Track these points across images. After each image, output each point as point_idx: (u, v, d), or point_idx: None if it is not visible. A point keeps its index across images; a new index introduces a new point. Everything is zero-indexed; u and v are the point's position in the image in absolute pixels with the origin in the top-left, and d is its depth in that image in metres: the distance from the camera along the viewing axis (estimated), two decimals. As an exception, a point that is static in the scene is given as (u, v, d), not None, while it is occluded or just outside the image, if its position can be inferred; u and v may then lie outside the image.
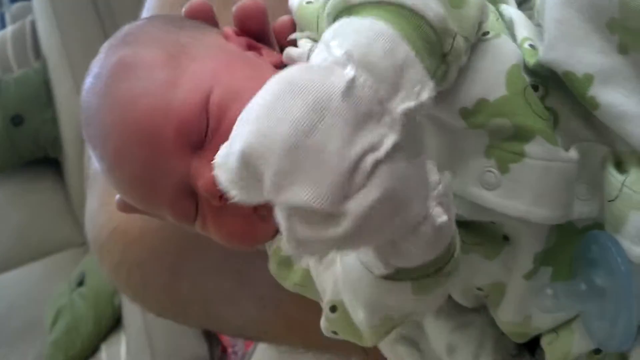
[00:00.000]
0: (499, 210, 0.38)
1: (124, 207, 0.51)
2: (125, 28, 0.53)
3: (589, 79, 0.35)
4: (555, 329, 0.41)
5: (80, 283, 2.28)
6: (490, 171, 0.38)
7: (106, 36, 2.15)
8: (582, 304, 0.38)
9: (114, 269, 0.63)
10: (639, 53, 0.34)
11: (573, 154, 0.37)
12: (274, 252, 0.49)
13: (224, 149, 0.33)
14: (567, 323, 0.41)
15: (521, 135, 0.36)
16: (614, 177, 0.36)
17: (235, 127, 0.33)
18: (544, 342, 0.42)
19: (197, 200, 0.45)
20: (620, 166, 0.36)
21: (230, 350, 1.98)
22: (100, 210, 0.64)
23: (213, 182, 0.39)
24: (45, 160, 2.88)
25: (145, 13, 0.66)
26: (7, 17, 3.29)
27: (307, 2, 0.45)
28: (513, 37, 0.39)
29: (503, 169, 0.37)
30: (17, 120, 2.71)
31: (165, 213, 0.46)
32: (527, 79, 0.37)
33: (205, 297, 0.63)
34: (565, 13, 0.35)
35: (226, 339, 1.99)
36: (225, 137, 0.40)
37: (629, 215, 0.34)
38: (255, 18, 0.49)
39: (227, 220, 0.44)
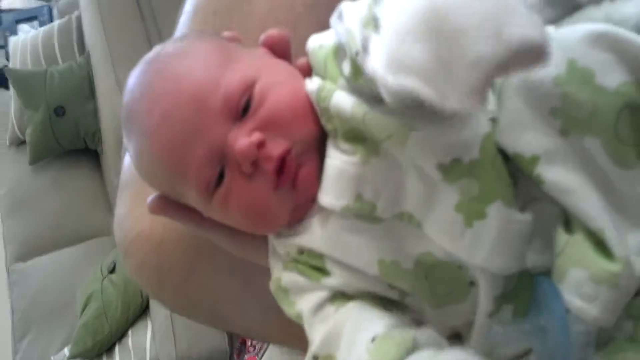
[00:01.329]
0: (462, 258, 0.43)
1: (155, 207, 0.54)
2: (178, 39, 0.56)
3: (535, 159, 0.39)
4: (517, 357, 0.45)
5: (112, 271, 2.34)
6: (456, 223, 0.42)
7: (147, 34, 2.22)
8: (527, 341, 0.43)
9: (135, 269, 0.68)
10: (578, 136, 0.38)
11: (527, 216, 0.41)
12: (274, 280, 0.53)
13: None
14: (527, 353, 0.45)
15: (485, 197, 0.41)
16: (561, 235, 0.40)
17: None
18: None
19: (223, 171, 0.48)
20: (568, 225, 0.40)
21: (249, 343, 2.03)
22: (127, 217, 0.69)
23: (249, 148, 0.45)
24: (84, 151, 2.94)
25: (183, 18, 0.70)
26: (55, 12, 3.39)
27: (320, 47, 0.49)
28: None
29: (468, 223, 0.42)
30: (59, 112, 2.78)
31: (189, 183, 0.48)
32: (495, 147, 0.41)
33: (213, 299, 0.68)
34: (515, 102, 0.39)
35: (246, 333, 2.06)
36: (262, 119, 0.46)
37: (568, 271, 0.39)
38: (280, 46, 0.53)
39: (251, 189, 0.47)
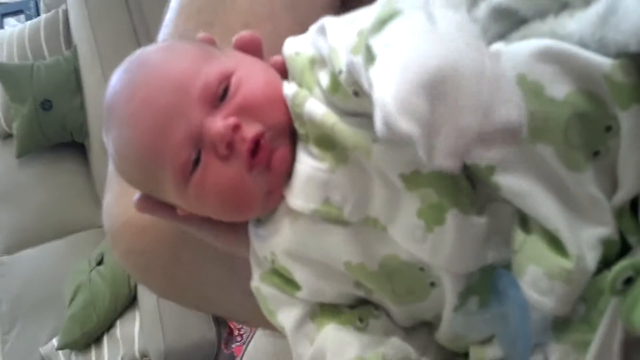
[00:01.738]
0: (424, 260, 0.46)
1: (141, 206, 0.56)
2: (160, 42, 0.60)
3: (491, 168, 0.42)
4: (481, 342, 0.49)
5: (100, 262, 2.35)
6: (419, 228, 0.45)
7: (134, 29, 2.25)
8: (490, 328, 0.47)
9: (123, 254, 0.71)
10: (530, 144, 0.41)
11: (482, 219, 0.44)
12: (253, 287, 0.56)
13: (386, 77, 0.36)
14: (490, 338, 0.48)
15: (443, 205, 0.44)
16: (518, 234, 0.43)
17: (393, 60, 0.36)
18: (471, 349, 0.50)
19: (199, 156, 0.50)
20: (525, 224, 0.44)
21: (236, 333, 2.06)
22: (115, 204, 0.71)
23: (225, 130, 0.47)
24: (71, 145, 2.95)
25: (168, 15, 0.72)
26: (42, 5, 3.37)
27: (296, 54, 0.51)
28: None
29: (429, 229, 0.45)
30: (46, 105, 2.79)
31: (167, 168, 0.50)
32: None
33: (199, 283, 0.70)
34: None
35: (233, 322, 2.07)
36: (237, 105, 0.49)
37: (526, 267, 0.42)
38: (251, 46, 0.55)
39: (226, 171, 0.49)
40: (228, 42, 0.57)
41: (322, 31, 0.49)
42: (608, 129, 0.40)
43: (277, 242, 0.51)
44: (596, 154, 0.41)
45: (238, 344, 2.03)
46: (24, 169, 2.91)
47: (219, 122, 0.48)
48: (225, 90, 0.50)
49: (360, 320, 0.53)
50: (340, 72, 0.45)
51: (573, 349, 0.43)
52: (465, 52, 0.35)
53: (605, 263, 0.41)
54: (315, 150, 0.48)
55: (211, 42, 0.57)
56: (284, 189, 0.50)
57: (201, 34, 0.57)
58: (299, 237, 0.50)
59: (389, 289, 0.49)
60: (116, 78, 0.53)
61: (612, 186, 0.41)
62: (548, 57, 0.40)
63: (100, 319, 2.21)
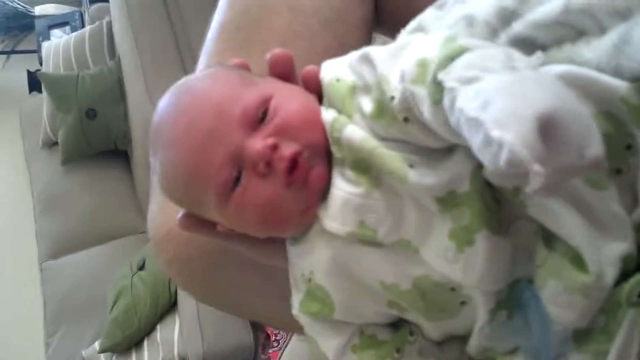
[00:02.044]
0: (456, 280, 0.48)
1: (184, 224, 0.59)
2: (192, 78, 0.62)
3: (517, 190, 0.44)
4: (507, 353, 0.51)
5: (141, 267, 2.39)
6: (450, 249, 0.47)
7: (176, 40, 2.28)
8: (514, 339, 0.48)
9: (167, 263, 0.73)
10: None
11: (508, 238, 0.46)
12: (294, 313, 0.58)
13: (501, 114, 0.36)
14: (516, 349, 0.50)
15: (473, 226, 0.46)
16: (541, 250, 0.45)
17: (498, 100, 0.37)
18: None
19: (240, 175, 0.52)
20: (548, 240, 0.45)
21: (273, 338, 2.07)
22: (159, 214, 0.74)
23: (264, 149, 0.50)
24: (114, 152, 3.02)
25: (210, 34, 0.75)
26: (87, 17, 3.46)
27: (337, 80, 0.53)
28: None
29: (460, 250, 0.47)
30: (91, 114, 2.87)
31: (209, 187, 0.53)
32: (484, 178, 0.46)
33: (238, 291, 0.73)
34: None
35: (270, 328, 2.08)
36: (275, 127, 0.51)
37: (547, 282, 0.44)
38: (283, 63, 0.58)
39: (265, 188, 0.51)
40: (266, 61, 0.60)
41: (367, 60, 0.51)
42: (629, 147, 0.42)
43: (313, 260, 0.54)
44: (618, 171, 0.43)
45: (275, 349, 2.04)
46: (68, 176, 2.98)
47: (259, 143, 0.51)
48: (264, 113, 0.52)
49: (397, 350, 0.55)
50: (392, 98, 0.46)
51: (593, 359, 0.45)
52: (564, 94, 0.37)
53: (624, 275, 0.43)
54: (350, 174, 0.50)
55: (246, 67, 0.59)
56: (319, 209, 0.52)
57: (236, 60, 0.60)
58: (335, 257, 0.52)
59: (422, 307, 0.51)
60: (163, 104, 0.56)
61: (632, 202, 0.43)
62: (568, 81, 0.42)
63: (142, 323, 2.25)
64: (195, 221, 0.58)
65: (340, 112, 0.52)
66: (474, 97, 0.38)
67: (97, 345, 2.35)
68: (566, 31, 0.46)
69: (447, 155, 0.47)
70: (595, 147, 0.35)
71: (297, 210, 0.52)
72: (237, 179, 0.52)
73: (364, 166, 0.50)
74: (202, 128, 0.53)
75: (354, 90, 0.52)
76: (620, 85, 0.41)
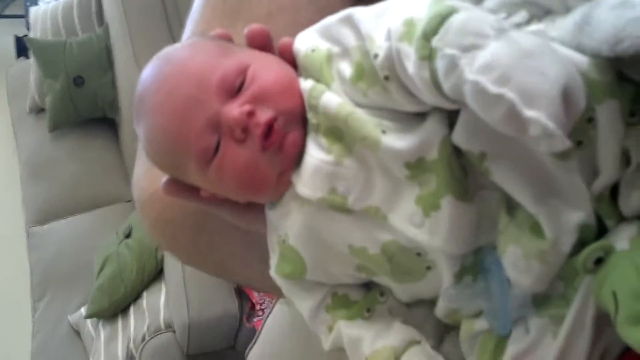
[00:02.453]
0: (423, 244, 0.50)
1: (167, 190, 0.61)
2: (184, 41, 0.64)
3: (483, 155, 0.46)
4: (472, 316, 0.53)
5: (128, 235, 2.41)
6: (417, 214, 0.49)
7: (165, 8, 2.27)
8: (476, 302, 0.51)
9: (152, 224, 0.75)
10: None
11: (473, 206, 0.48)
12: (273, 277, 0.60)
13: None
14: (480, 313, 0.52)
15: (439, 192, 0.48)
16: (503, 217, 0.47)
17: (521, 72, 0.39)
18: (462, 322, 0.54)
19: (219, 140, 0.54)
20: (511, 209, 0.47)
21: (258, 307, 2.10)
22: (144, 176, 0.75)
23: (240, 115, 0.51)
24: (102, 120, 3.01)
25: (196, 3, 0.75)
26: (75, -17, 3.43)
27: (312, 51, 0.54)
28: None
29: (426, 214, 0.49)
30: (78, 81, 2.86)
31: (190, 153, 0.55)
32: (452, 146, 0.48)
33: (220, 252, 0.74)
34: (469, 109, 0.44)
35: (255, 297, 2.11)
36: (252, 94, 0.53)
37: (507, 248, 0.47)
38: (260, 38, 0.59)
39: (242, 154, 0.53)
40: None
41: (349, 21, 0.52)
42: (589, 120, 0.44)
43: (287, 224, 0.56)
44: (579, 143, 0.44)
45: (259, 318, 2.06)
46: (55, 143, 2.99)
47: (235, 109, 0.52)
48: (242, 82, 0.54)
49: (368, 310, 0.58)
50: (376, 56, 0.48)
51: (551, 322, 0.47)
52: (565, 61, 0.40)
53: (582, 245, 0.45)
54: (323, 141, 0.52)
55: (228, 38, 0.61)
56: (292, 174, 0.54)
57: (218, 30, 0.61)
58: (306, 221, 0.54)
59: (389, 271, 0.54)
60: (145, 73, 0.57)
61: (592, 174, 0.45)
62: None
63: (128, 290, 2.27)
64: (178, 186, 0.60)
65: (318, 81, 0.53)
66: (486, 69, 0.39)
67: (83, 310, 2.37)
68: (534, 9, 0.48)
69: (418, 122, 0.49)
70: (584, 100, 0.39)
71: (273, 175, 0.54)
72: (217, 146, 0.54)
73: (338, 134, 0.51)
74: (181, 96, 0.54)
75: (330, 57, 0.53)
76: (582, 60, 0.43)
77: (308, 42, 0.55)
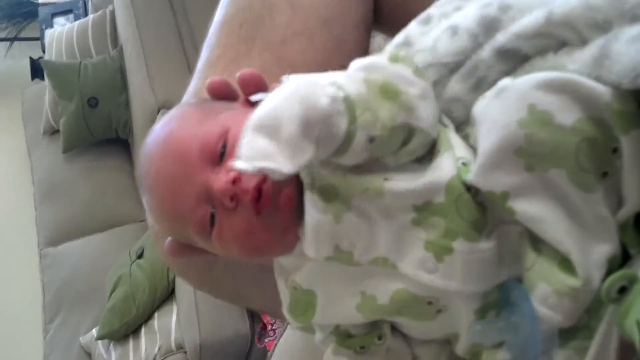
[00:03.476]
0: (439, 288, 0.49)
1: (172, 251, 0.60)
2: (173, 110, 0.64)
3: (505, 194, 0.45)
4: (493, 347, 0.52)
5: (140, 256, 2.40)
6: (429, 260, 0.49)
7: (179, 30, 2.29)
8: (501, 336, 0.50)
9: (165, 250, 0.76)
10: (542, 169, 0.44)
11: (490, 243, 0.48)
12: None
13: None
14: (501, 343, 0.51)
15: (450, 234, 0.48)
16: (530, 253, 0.47)
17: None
18: (484, 353, 0.53)
19: (213, 211, 0.53)
20: (535, 243, 0.47)
21: (269, 327, 2.08)
22: None
23: (226, 185, 0.50)
24: (115, 141, 3.03)
25: (212, 28, 0.76)
26: (90, 6, 3.47)
27: None
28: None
29: (439, 259, 0.48)
30: (92, 102, 2.87)
31: (189, 225, 0.55)
32: (462, 188, 0.48)
33: (233, 278, 0.74)
34: (486, 145, 0.45)
35: (266, 317, 2.10)
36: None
37: (537, 284, 0.46)
38: (253, 83, 0.58)
39: (237, 221, 0.52)
40: (268, 56, 0.61)
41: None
42: (615, 150, 0.43)
43: (297, 274, 0.56)
44: (605, 174, 0.44)
45: (271, 338, 2.05)
46: (69, 164, 2.99)
47: (221, 179, 0.52)
48: (224, 147, 0.53)
49: (362, 347, 0.57)
50: None
51: (575, 354, 0.46)
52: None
53: (607, 274, 0.44)
54: (319, 201, 0.51)
55: (226, 87, 0.60)
56: (299, 229, 0.53)
57: (215, 79, 0.61)
58: (317, 274, 0.54)
59: (397, 315, 0.54)
60: (142, 150, 0.58)
61: (617, 203, 0.45)
62: (556, 87, 0.44)
63: (139, 311, 2.26)
64: (182, 247, 0.60)
65: None
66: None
67: (94, 332, 2.36)
68: (549, 41, 0.48)
69: (424, 166, 0.50)
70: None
71: (275, 234, 0.53)
72: (213, 216, 0.53)
73: (333, 192, 0.51)
74: (168, 175, 0.54)
75: None
76: (604, 90, 0.43)
77: None
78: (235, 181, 0.51)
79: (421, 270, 0.50)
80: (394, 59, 0.51)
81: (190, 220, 0.54)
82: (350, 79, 0.49)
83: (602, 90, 0.43)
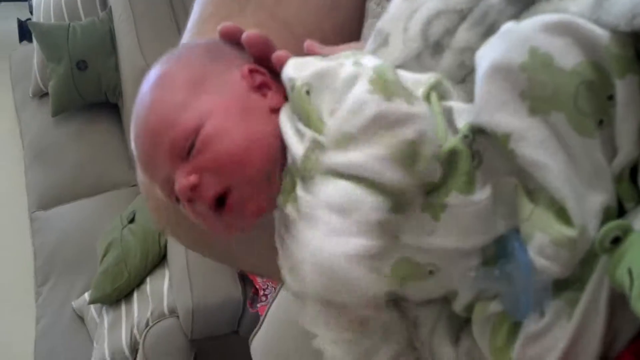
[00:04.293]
0: (438, 248, 0.49)
1: None
2: (178, 48, 0.63)
3: (506, 136, 0.45)
4: (486, 299, 0.52)
5: (132, 220, 2.40)
6: (427, 221, 0.49)
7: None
8: (495, 284, 0.50)
9: (156, 208, 0.75)
10: (544, 112, 0.44)
11: (485, 193, 0.48)
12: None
13: None
14: (495, 296, 0.51)
15: (443, 191, 0.48)
16: (526, 204, 0.46)
17: None
18: (475, 306, 0.53)
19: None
20: (531, 195, 0.47)
21: (261, 292, 2.10)
22: None
23: (184, 190, 0.52)
24: (105, 104, 3.00)
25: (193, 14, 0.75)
26: (78, -33, 3.41)
27: (307, 93, 0.52)
28: (451, 121, 0.49)
29: (436, 218, 0.48)
30: (81, 66, 2.84)
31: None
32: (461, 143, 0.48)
33: (225, 238, 0.72)
34: (488, 87, 0.46)
35: (259, 282, 2.11)
36: (200, 162, 0.52)
37: (534, 235, 0.46)
38: (258, 46, 0.58)
39: (200, 211, 0.54)
40: (262, 14, 0.60)
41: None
42: (610, 97, 0.43)
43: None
44: (601, 122, 0.44)
45: (263, 303, 2.06)
46: (59, 128, 2.97)
47: (181, 180, 0.53)
48: (192, 145, 0.53)
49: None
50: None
51: (567, 305, 0.46)
52: None
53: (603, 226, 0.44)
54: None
55: (236, 33, 0.59)
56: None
57: (226, 25, 0.60)
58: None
59: (398, 285, 0.53)
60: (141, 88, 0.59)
61: (613, 154, 0.45)
62: (558, 30, 0.44)
63: (131, 276, 2.27)
64: None
65: (308, 125, 0.51)
66: None
67: (86, 296, 2.37)
68: None
69: None
70: None
71: (238, 225, 0.55)
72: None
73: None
74: (145, 144, 0.56)
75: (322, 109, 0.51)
76: (604, 34, 0.43)
77: (303, 75, 0.53)
78: (194, 187, 0.52)
79: (421, 234, 0.49)
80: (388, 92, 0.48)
81: (160, 186, 0.56)
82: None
83: (602, 34, 0.43)
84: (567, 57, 0.44)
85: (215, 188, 0.52)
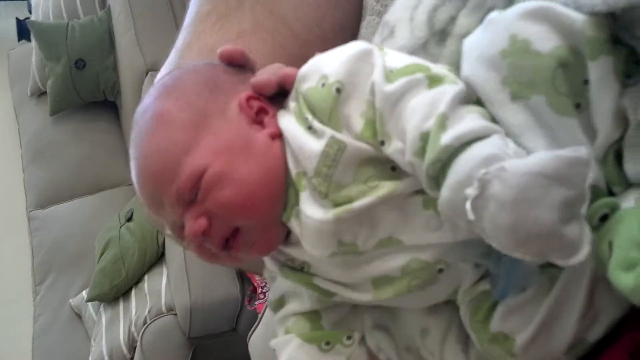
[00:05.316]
0: (449, 242, 0.49)
1: None
2: (174, 74, 0.60)
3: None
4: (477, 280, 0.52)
5: (129, 219, 2.40)
6: (431, 219, 0.49)
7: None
8: (481, 261, 0.49)
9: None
10: (525, 97, 0.45)
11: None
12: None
13: None
14: (485, 275, 0.52)
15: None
16: None
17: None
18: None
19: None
20: None
21: (259, 290, 2.09)
22: None
23: (195, 235, 0.52)
24: (103, 103, 3.00)
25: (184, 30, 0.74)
26: (77, -34, 3.41)
27: (322, 85, 0.51)
28: None
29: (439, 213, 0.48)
30: (80, 64, 2.84)
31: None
32: None
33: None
34: (477, 73, 0.47)
35: (257, 280, 2.10)
36: (207, 208, 0.51)
37: None
38: (236, 59, 0.58)
39: (207, 250, 0.54)
40: (260, 10, 0.60)
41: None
42: (586, 82, 0.44)
43: (298, 253, 0.55)
44: (578, 105, 0.44)
45: (261, 301, 2.05)
46: (57, 127, 2.98)
47: (190, 225, 0.53)
48: (198, 189, 0.53)
49: (327, 343, 0.57)
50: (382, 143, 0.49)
51: (548, 281, 0.47)
52: None
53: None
54: (325, 201, 0.51)
55: (239, 55, 0.59)
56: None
57: (227, 47, 0.59)
58: (323, 265, 0.54)
59: (406, 288, 0.52)
60: (134, 127, 0.57)
61: (594, 137, 0.45)
62: (537, 16, 0.45)
63: (129, 274, 2.27)
64: None
65: (323, 122, 0.51)
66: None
67: (84, 294, 2.38)
68: None
69: None
70: None
71: (232, 262, 0.55)
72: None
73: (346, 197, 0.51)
74: (149, 191, 0.55)
75: (337, 100, 0.51)
76: (579, 18, 0.44)
77: (320, 70, 0.52)
78: (205, 232, 0.52)
79: (427, 232, 0.50)
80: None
81: (169, 227, 0.56)
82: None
83: (577, 18, 0.44)
84: (545, 42, 0.44)
85: (225, 230, 0.52)
